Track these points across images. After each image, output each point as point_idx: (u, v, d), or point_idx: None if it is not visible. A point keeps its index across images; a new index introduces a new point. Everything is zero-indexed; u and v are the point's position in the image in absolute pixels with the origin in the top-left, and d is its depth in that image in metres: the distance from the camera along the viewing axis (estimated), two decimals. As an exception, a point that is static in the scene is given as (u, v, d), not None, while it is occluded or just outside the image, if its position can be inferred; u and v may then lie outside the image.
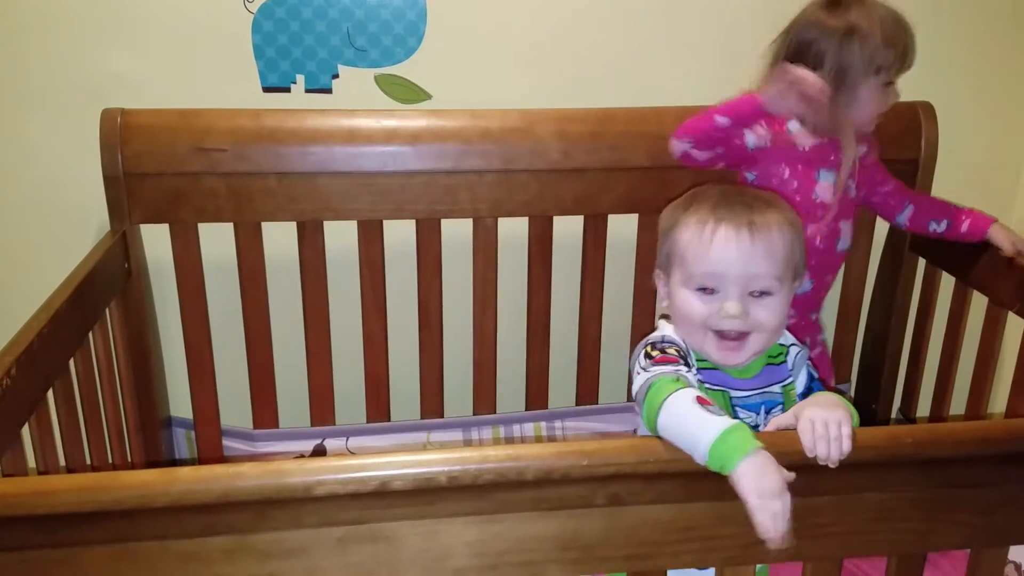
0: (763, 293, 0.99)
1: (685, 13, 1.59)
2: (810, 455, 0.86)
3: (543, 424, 1.59)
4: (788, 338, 1.08)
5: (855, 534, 0.93)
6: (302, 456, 1.52)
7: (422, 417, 1.58)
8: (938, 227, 1.44)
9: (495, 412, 1.60)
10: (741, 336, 0.99)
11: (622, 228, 1.55)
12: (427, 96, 1.55)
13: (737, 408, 1.03)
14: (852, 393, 1.70)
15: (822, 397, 0.94)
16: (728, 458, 0.84)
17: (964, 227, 1.42)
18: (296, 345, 1.53)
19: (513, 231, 1.53)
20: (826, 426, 0.86)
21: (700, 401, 0.89)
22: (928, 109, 1.54)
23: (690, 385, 0.94)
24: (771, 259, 0.98)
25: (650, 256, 1.56)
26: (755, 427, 1.00)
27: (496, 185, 1.47)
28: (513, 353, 1.61)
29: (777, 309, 1.00)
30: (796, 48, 1.30)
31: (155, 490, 0.81)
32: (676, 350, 1.01)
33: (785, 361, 1.07)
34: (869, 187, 1.43)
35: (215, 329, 1.50)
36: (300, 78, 1.52)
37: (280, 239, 1.47)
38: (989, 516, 0.96)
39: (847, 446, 0.85)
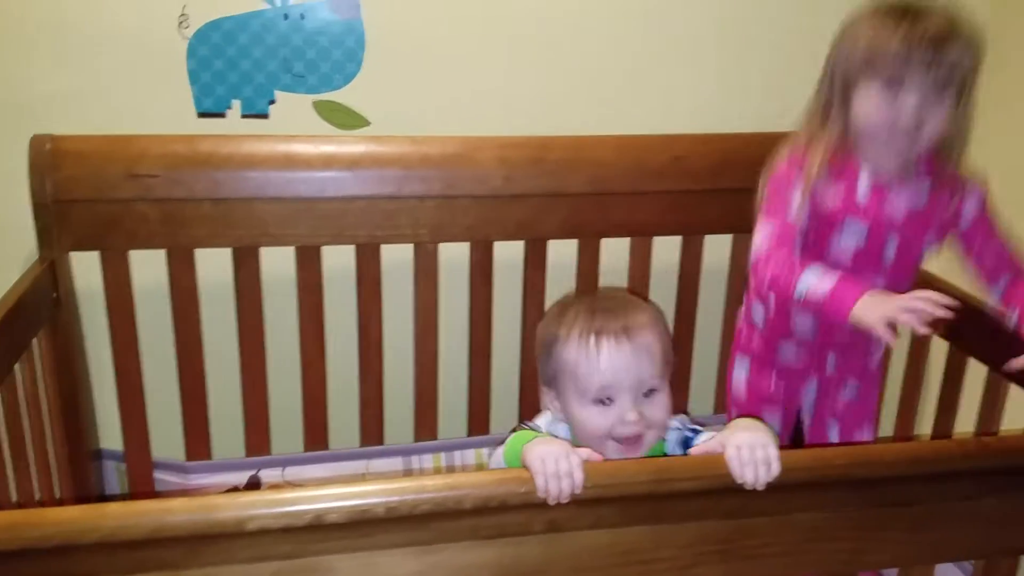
0: (651, 392, 1.06)
1: (625, 42, 1.62)
2: (739, 481, 0.88)
3: (485, 451, 1.58)
4: (672, 424, 1.13)
5: (787, 555, 0.95)
6: (236, 488, 1.49)
7: (361, 444, 1.56)
8: (996, 289, 1.26)
9: (436, 438, 1.59)
10: (639, 437, 1.06)
11: (562, 253, 1.56)
12: (366, 122, 1.55)
13: None
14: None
15: (743, 422, 0.97)
16: (518, 445, 0.94)
17: (1014, 318, 1.22)
18: (231, 373, 1.50)
19: (454, 256, 1.53)
20: (752, 450, 0.88)
21: None
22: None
23: None
24: (651, 359, 1.06)
25: (591, 280, 1.58)
26: None
27: (437, 210, 1.47)
28: (455, 378, 1.60)
29: (665, 403, 1.08)
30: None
31: (83, 526, 0.80)
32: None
33: (664, 454, 1.12)
34: (962, 246, 1.26)
35: (148, 358, 1.47)
36: (236, 103, 1.50)
37: (214, 265, 1.45)
38: (918, 534, 0.99)
39: (776, 468, 0.88)
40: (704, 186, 1.55)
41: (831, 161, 1.21)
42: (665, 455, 1.11)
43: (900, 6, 1.16)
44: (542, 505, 0.88)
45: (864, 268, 1.24)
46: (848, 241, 1.23)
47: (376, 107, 1.55)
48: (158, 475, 1.51)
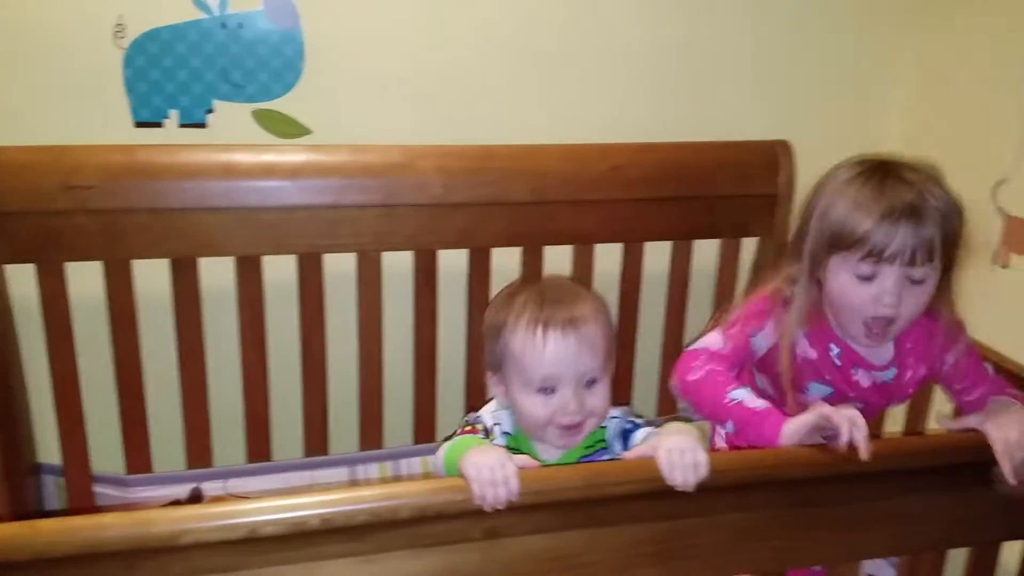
0: (592, 382, 1.10)
1: (561, 52, 1.64)
2: (669, 483, 0.91)
3: (430, 458, 1.59)
4: (614, 412, 1.17)
5: (719, 555, 0.98)
6: (178, 502, 1.48)
7: (306, 455, 1.56)
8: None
9: (382, 447, 1.59)
10: (579, 424, 1.09)
11: (506, 261, 1.58)
12: (307, 131, 1.55)
13: None
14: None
15: (676, 426, 1.00)
16: (455, 454, 0.95)
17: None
18: (170, 385, 1.49)
19: (399, 265, 1.54)
20: (682, 454, 0.91)
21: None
22: (785, 147, 1.63)
23: None
24: (595, 351, 1.09)
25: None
26: None
27: (379, 219, 1.48)
28: (400, 386, 1.61)
29: (604, 393, 1.11)
30: None
31: (17, 543, 0.79)
32: (482, 427, 1.13)
33: (603, 444, 1.15)
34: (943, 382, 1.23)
35: (86, 371, 1.45)
36: (174, 113, 1.49)
37: (153, 276, 1.43)
38: (844, 533, 1.02)
39: (703, 471, 0.91)
40: (643, 195, 1.58)
41: (807, 323, 1.17)
42: (605, 443, 1.15)
43: (876, 175, 1.10)
44: (480, 513, 0.89)
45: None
46: (812, 398, 1.19)
47: (317, 116, 1.55)
48: (98, 489, 1.49)
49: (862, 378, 1.20)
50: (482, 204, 1.52)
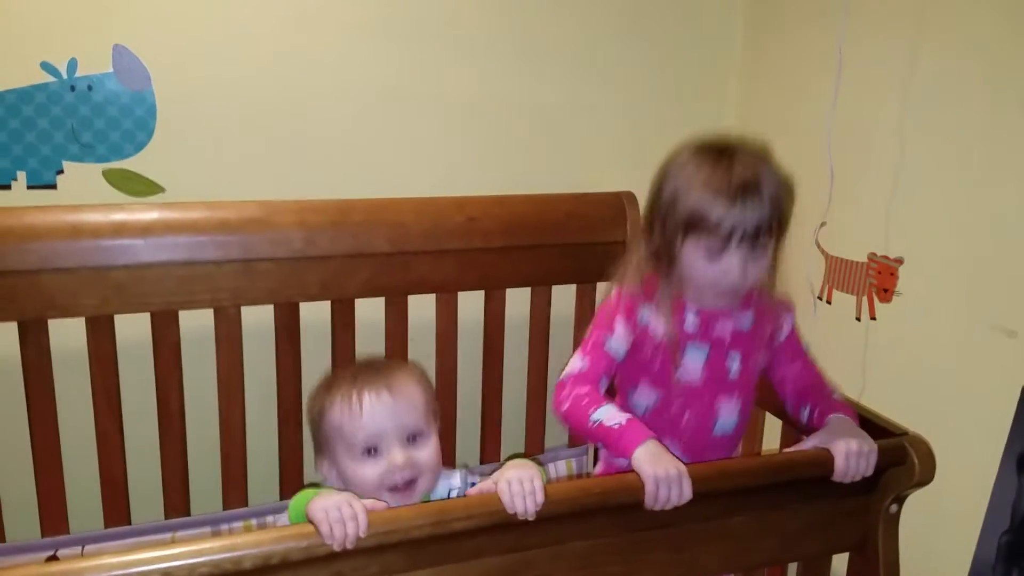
0: (417, 436, 1.14)
1: (417, 108, 1.70)
2: (511, 512, 0.95)
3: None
4: (453, 482, 1.20)
5: (564, 583, 1.02)
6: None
7: (166, 517, 1.53)
8: (803, 414, 1.30)
9: (247, 504, 1.58)
10: (411, 482, 1.13)
11: (370, 311, 1.61)
12: (160, 189, 1.55)
13: None
14: (591, 453, 1.83)
15: (515, 461, 1.05)
16: (301, 503, 0.97)
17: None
18: (23, 451, 1.44)
19: (259, 319, 1.54)
20: (520, 483, 0.95)
21: None
22: (630, 197, 1.74)
23: None
24: (413, 406, 1.14)
25: (400, 337, 1.64)
26: None
27: (237, 274, 1.48)
28: (264, 442, 1.60)
29: (433, 448, 1.15)
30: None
31: None
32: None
33: None
34: (770, 364, 1.32)
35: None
36: (22, 175, 1.47)
37: (2, 339, 1.40)
38: (680, 553, 1.08)
39: (540, 497, 0.96)
40: (500, 244, 1.64)
41: (659, 296, 1.24)
42: None
43: (720, 160, 1.17)
44: (327, 557, 0.91)
45: (714, 384, 1.26)
46: (694, 362, 1.25)
47: (171, 174, 1.55)
48: (-56, 565, 1.42)
49: (726, 329, 1.26)
50: (343, 256, 1.55)
